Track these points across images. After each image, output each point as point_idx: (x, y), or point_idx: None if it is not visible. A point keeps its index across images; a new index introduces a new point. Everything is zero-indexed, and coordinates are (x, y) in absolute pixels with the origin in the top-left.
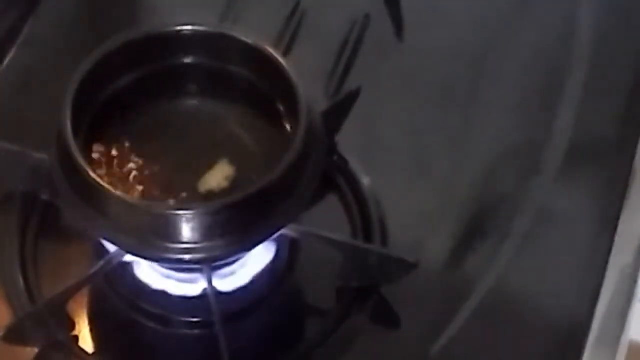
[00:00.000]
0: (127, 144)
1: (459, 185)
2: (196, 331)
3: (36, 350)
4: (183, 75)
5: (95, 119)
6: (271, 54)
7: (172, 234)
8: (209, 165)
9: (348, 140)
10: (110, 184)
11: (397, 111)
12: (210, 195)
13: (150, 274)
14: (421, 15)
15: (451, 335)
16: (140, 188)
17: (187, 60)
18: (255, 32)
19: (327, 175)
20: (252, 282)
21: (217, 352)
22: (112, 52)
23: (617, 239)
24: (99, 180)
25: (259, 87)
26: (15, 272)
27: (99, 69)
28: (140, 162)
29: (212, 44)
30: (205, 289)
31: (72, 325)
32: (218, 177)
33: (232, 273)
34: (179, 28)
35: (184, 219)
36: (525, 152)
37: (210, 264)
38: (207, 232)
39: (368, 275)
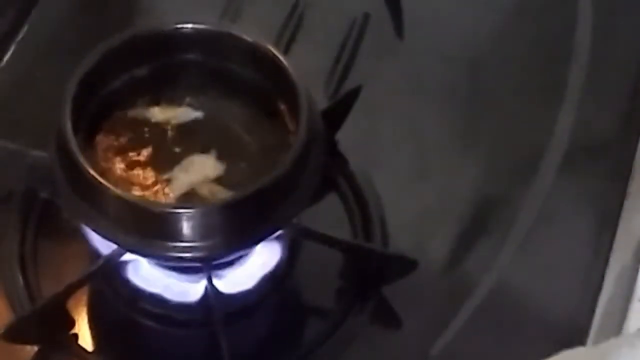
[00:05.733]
0: (126, 142)
1: (459, 184)
2: (196, 331)
3: (36, 348)
4: (183, 73)
5: (94, 117)
6: (271, 52)
7: (172, 233)
8: (208, 163)
9: (348, 139)
10: (110, 181)
11: (397, 110)
12: (208, 193)
13: (150, 273)
14: (421, 14)
15: (451, 335)
16: (137, 186)
17: (187, 58)
18: (255, 30)
19: (327, 174)
20: (252, 282)
21: (217, 351)
22: (112, 50)
23: (616, 238)
24: (98, 178)
25: (259, 85)
26: (15, 270)
27: (99, 67)
28: (140, 159)
29: (213, 42)
30: (205, 289)
31: (72, 324)
32: (216, 174)
33: (232, 272)
34: (178, 26)
35: (184, 218)
36: (525, 152)
37: (210, 262)
38: (208, 231)
39: (368, 275)
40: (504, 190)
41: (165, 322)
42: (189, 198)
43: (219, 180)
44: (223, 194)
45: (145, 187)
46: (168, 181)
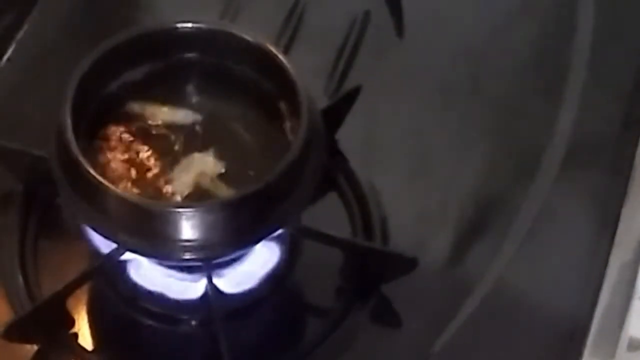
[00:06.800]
0: (126, 142)
1: (459, 184)
2: (196, 330)
3: (36, 347)
4: (183, 73)
5: (94, 117)
6: (271, 51)
7: (172, 232)
8: (208, 162)
9: (348, 139)
10: (110, 180)
11: (397, 109)
12: (209, 193)
13: (150, 272)
14: (421, 12)
15: (451, 334)
16: (138, 185)
17: (187, 57)
18: (255, 29)
19: (328, 173)
20: (252, 281)
21: (216, 351)
22: (112, 50)
23: (616, 237)
24: (98, 177)
25: (259, 84)
26: (15, 269)
27: (99, 67)
28: (140, 159)
29: (213, 41)
30: (205, 288)
31: (72, 323)
32: (216, 174)
33: (233, 271)
34: (178, 25)
35: (184, 217)
36: (525, 152)
37: (210, 262)
38: (208, 230)
39: (368, 274)
40: (504, 190)
41: (165, 321)
42: (189, 197)
43: (220, 179)
44: (224, 192)
45: (145, 187)
46: (169, 180)
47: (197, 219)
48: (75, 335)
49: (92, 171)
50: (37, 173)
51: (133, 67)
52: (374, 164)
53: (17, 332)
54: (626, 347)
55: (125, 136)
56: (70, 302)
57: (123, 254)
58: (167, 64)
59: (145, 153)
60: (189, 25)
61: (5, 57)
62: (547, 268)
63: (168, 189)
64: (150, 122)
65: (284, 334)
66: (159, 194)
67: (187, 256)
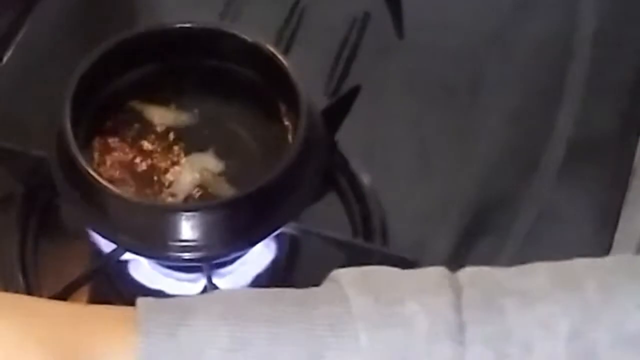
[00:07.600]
0: (126, 142)
1: (459, 185)
2: None
3: None
4: (183, 73)
5: (94, 117)
6: (271, 52)
7: (171, 233)
8: (208, 163)
9: (348, 139)
10: (110, 181)
11: (397, 109)
12: (208, 193)
13: (149, 272)
14: (421, 13)
15: None
16: (137, 185)
17: (187, 58)
18: (254, 30)
19: (328, 173)
20: (252, 281)
21: None
22: (112, 50)
23: (617, 237)
24: (98, 178)
25: (259, 85)
26: (15, 271)
27: (99, 67)
28: (139, 159)
29: (212, 42)
30: (205, 288)
31: None
32: (216, 174)
33: (232, 271)
34: (178, 26)
35: (183, 217)
36: (525, 151)
37: (210, 262)
38: (207, 231)
39: None
40: (504, 190)
41: None
42: (189, 198)
43: (220, 180)
44: (224, 192)
45: (145, 187)
46: (168, 181)
47: (196, 219)
48: None
49: (91, 172)
50: (37, 174)
51: (133, 68)
52: (374, 164)
53: None
54: None
55: (125, 137)
56: None
57: (123, 254)
58: (167, 64)
59: (144, 153)
60: (189, 25)
61: (6, 58)
62: None
63: (168, 189)
64: (149, 122)
65: None
66: (158, 195)
67: (187, 257)
